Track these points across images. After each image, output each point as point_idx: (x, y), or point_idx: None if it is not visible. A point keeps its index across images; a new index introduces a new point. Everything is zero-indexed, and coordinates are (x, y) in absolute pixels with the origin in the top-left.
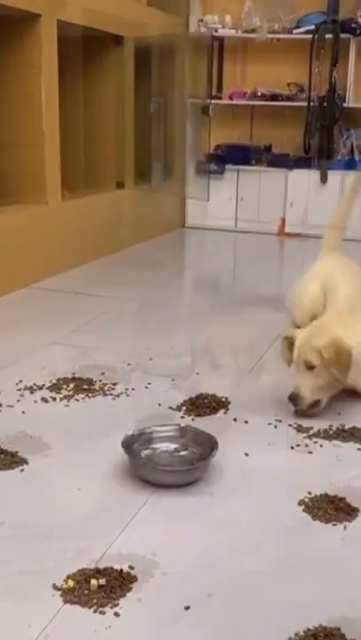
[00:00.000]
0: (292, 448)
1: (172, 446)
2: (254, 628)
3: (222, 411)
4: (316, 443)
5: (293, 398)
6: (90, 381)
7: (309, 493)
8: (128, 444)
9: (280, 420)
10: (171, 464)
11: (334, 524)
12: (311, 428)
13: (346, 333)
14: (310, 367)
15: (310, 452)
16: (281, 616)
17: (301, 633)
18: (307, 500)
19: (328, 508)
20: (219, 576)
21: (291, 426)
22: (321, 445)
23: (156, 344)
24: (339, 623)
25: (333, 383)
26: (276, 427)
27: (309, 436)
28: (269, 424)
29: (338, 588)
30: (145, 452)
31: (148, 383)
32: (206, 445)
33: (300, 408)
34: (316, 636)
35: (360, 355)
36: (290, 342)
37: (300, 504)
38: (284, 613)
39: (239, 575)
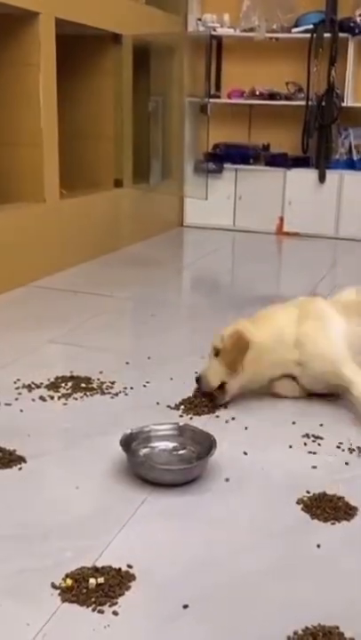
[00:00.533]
0: (290, 447)
1: (171, 445)
2: (253, 627)
3: (221, 409)
4: (314, 442)
5: (198, 380)
6: (88, 380)
7: (308, 492)
8: (126, 443)
9: (279, 419)
10: (169, 463)
11: (333, 524)
12: (310, 427)
13: (255, 329)
14: (217, 353)
15: (309, 452)
16: (279, 615)
17: (300, 632)
18: (305, 498)
19: (327, 507)
20: (217, 575)
21: (289, 424)
22: (319, 444)
23: (155, 343)
24: (337, 622)
25: (245, 373)
26: (274, 425)
27: (308, 435)
28: (268, 423)
29: (336, 588)
30: (143, 451)
31: (147, 382)
32: (205, 444)
33: (204, 390)
34: (315, 635)
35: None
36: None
37: (298, 503)
38: (282, 612)
39: (238, 574)
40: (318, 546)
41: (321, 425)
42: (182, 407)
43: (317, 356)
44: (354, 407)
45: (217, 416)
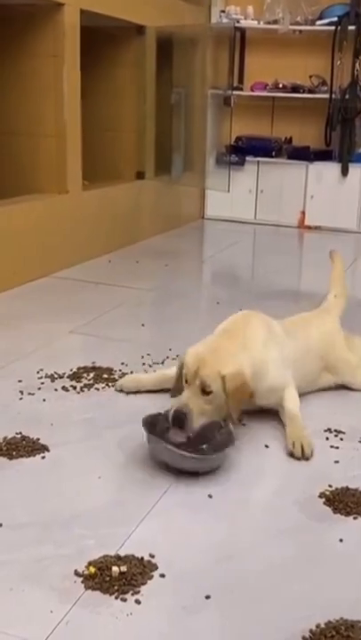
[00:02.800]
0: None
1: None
2: (276, 618)
3: None
4: (336, 436)
5: (180, 419)
6: (110, 371)
7: (330, 486)
8: (151, 424)
9: (301, 413)
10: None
11: (355, 518)
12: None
13: (244, 359)
14: (207, 392)
15: (331, 446)
16: (302, 608)
17: (323, 625)
18: (328, 493)
19: (349, 501)
20: (239, 567)
21: (312, 419)
22: (341, 439)
23: (175, 334)
24: (341, 622)
25: (221, 411)
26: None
27: (330, 430)
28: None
29: (340, 588)
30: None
31: None
32: (224, 434)
33: (187, 433)
34: (337, 628)
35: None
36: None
37: (320, 497)
38: (305, 605)
39: (260, 567)
40: (341, 540)
41: (343, 420)
42: None
43: (267, 388)
44: None
45: None
